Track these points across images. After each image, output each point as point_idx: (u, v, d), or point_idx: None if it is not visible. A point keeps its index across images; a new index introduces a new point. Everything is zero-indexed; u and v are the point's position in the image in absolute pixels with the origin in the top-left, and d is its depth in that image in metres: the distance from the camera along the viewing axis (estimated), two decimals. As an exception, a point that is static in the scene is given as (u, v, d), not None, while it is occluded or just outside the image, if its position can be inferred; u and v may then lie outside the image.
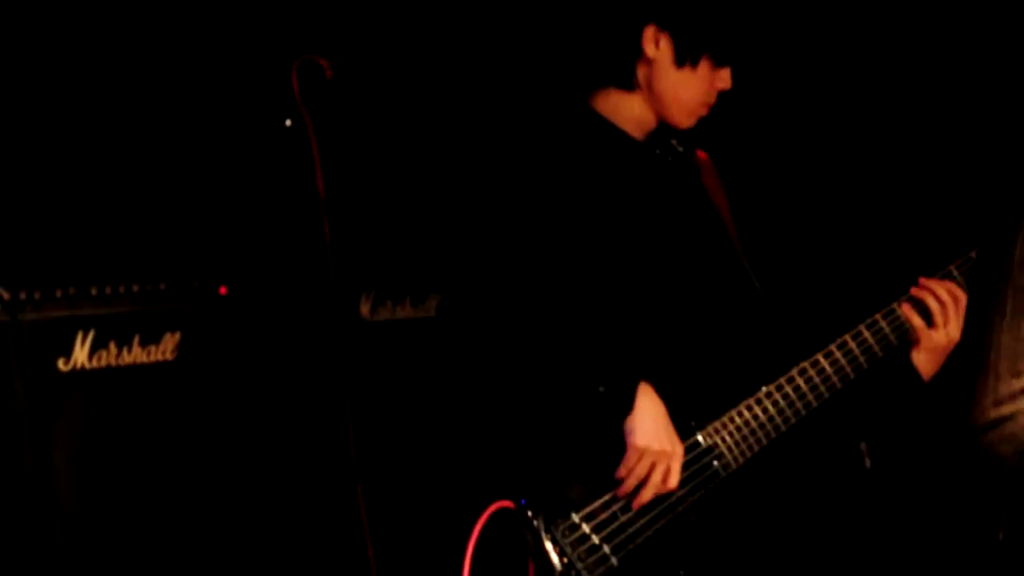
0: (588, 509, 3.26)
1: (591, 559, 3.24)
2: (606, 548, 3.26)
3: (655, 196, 3.45)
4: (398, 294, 4.66)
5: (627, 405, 3.26)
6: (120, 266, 4.44)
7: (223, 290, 4.47)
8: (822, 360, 3.47)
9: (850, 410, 3.55)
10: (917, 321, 3.50)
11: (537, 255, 3.33)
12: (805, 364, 3.46)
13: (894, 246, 4.82)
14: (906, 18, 4.90)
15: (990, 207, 3.83)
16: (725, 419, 3.40)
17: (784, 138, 5.03)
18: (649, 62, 3.40)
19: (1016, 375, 2.62)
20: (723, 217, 3.55)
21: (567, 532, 3.24)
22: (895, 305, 3.52)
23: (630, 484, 3.27)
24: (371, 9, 4.94)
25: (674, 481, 3.29)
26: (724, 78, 3.40)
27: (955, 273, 3.55)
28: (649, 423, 3.26)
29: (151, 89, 4.82)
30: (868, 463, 4.04)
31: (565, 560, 3.22)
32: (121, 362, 4.31)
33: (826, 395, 3.47)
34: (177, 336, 4.38)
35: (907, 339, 3.52)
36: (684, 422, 3.35)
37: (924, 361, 3.53)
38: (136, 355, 4.33)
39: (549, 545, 3.22)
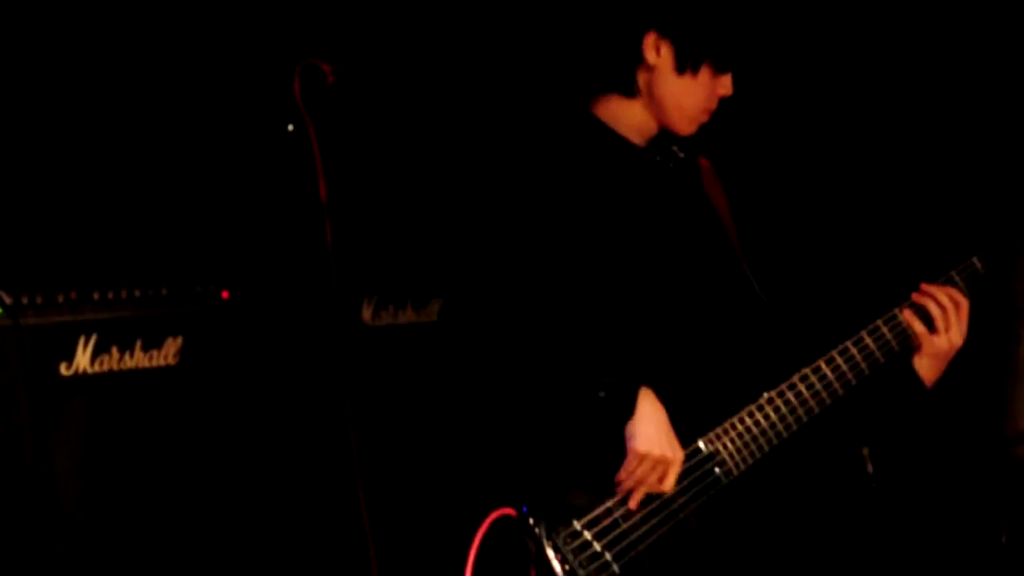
0: (590, 516, 3.26)
1: (593, 566, 3.25)
2: (608, 555, 3.26)
3: (656, 202, 3.45)
4: (400, 299, 4.66)
5: (628, 410, 3.26)
6: (122, 271, 4.45)
7: (225, 295, 4.47)
8: (824, 366, 3.47)
9: (852, 416, 3.55)
10: (919, 327, 3.50)
11: (538, 261, 3.33)
12: (807, 370, 3.46)
13: (895, 252, 4.82)
14: (908, 24, 4.90)
15: (994, 214, 3.83)
16: (727, 425, 3.40)
17: (785, 144, 5.03)
18: (650, 69, 3.40)
19: None
20: (724, 223, 3.54)
21: (569, 539, 3.24)
22: (896, 311, 3.52)
23: (631, 490, 3.27)
24: (374, 14, 4.94)
25: (669, 484, 3.29)
26: (725, 84, 3.40)
27: (957, 279, 3.55)
28: (650, 428, 3.26)
29: (154, 93, 4.82)
30: (870, 468, 4.05)
31: (567, 567, 3.22)
32: (123, 367, 4.31)
33: (828, 401, 3.47)
34: (179, 341, 4.38)
35: (909, 345, 3.52)
36: (685, 428, 3.36)
37: (926, 367, 3.52)
38: (138, 360, 4.33)
39: (551, 552, 3.22)
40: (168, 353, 4.37)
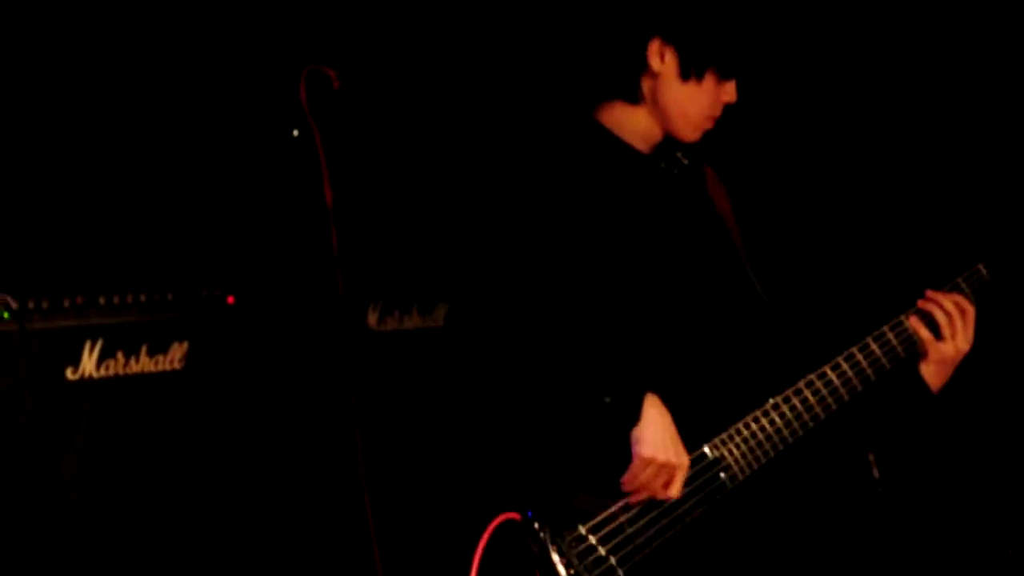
0: (594, 520, 3.26)
1: (597, 571, 3.24)
2: (612, 560, 3.26)
3: (660, 209, 3.45)
4: (405, 304, 4.66)
5: (633, 416, 3.26)
6: (128, 275, 4.45)
7: (231, 300, 4.47)
8: (829, 372, 3.46)
9: (858, 422, 3.55)
10: (925, 333, 3.50)
11: (543, 266, 3.34)
12: (812, 376, 3.46)
13: (900, 259, 4.82)
14: (911, 30, 4.90)
15: (999, 220, 3.83)
16: (732, 431, 3.40)
17: (790, 150, 5.03)
18: (654, 75, 3.40)
19: None
20: (728, 229, 3.54)
21: (573, 544, 3.24)
22: (903, 318, 3.52)
23: (636, 495, 3.27)
24: (379, 20, 4.95)
25: (675, 490, 3.28)
26: (729, 91, 3.40)
27: (963, 286, 3.54)
28: (656, 433, 3.26)
29: (159, 98, 4.83)
30: (876, 474, 4.04)
31: (572, 572, 3.22)
32: (129, 371, 4.31)
33: (833, 407, 3.47)
34: (185, 346, 4.38)
35: (915, 351, 3.52)
36: (691, 433, 3.36)
37: (932, 373, 3.52)
38: (144, 364, 4.34)
39: (556, 557, 3.22)
40: (174, 358, 4.37)
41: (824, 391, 3.45)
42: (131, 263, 4.55)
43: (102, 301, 4.30)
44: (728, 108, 3.43)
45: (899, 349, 3.50)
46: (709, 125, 3.44)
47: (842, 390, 3.46)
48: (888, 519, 5.02)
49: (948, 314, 3.50)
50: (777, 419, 3.42)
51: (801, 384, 3.45)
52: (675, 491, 3.29)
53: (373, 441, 4.28)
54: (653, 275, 3.39)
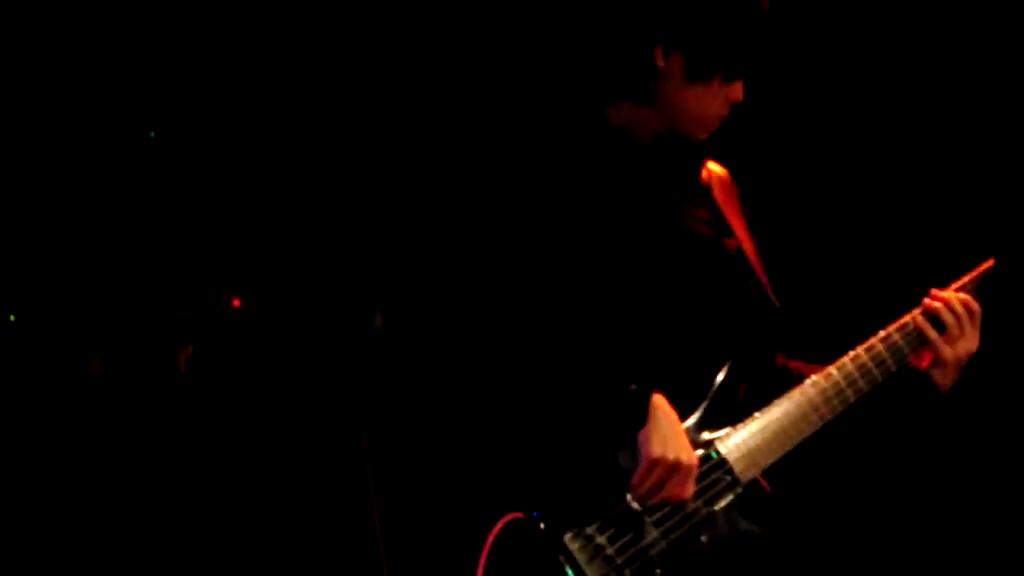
0: (602, 521, 3.26)
1: (605, 571, 3.24)
2: (619, 560, 3.25)
3: (667, 208, 3.45)
4: (412, 306, 4.65)
5: (641, 416, 3.25)
6: (134, 278, 4.45)
7: (237, 303, 4.47)
8: (835, 373, 3.45)
9: (866, 424, 3.54)
10: (932, 333, 3.49)
11: (551, 267, 3.33)
12: (818, 377, 3.45)
13: (905, 257, 4.82)
14: (917, 31, 4.90)
15: (1005, 219, 3.82)
16: (739, 430, 3.39)
17: (796, 149, 5.03)
18: (662, 77, 3.40)
19: None
20: (733, 226, 3.53)
21: (581, 544, 3.23)
22: (909, 318, 3.51)
23: (644, 496, 3.27)
24: (392, 17, 4.95)
25: (687, 493, 3.28)
26: (736, 91, 3.40)
27: (969, 285, 3.53)
28: (663, 434, 3.26)
29: (166, 102, 4.83)
30: (884, 477, 4.03)
31: (579, 572, 3.22)
32: (135, 374, 4.32)
33: (840, 408, 3.45)
34: (190, 349, 4.39)
35: (922, 352, 3.50)
36: (697, 433, 3.35)
37: (941, 374, 3.51)
38: (149, 367, 4.35)
39: (562, 557, 3.21)
40: (180, 361, 4.38)
41: (830, 392, 3.44)
42: (138, 266, 4.56)
43: (109, 304, 4.31)
44: (736, 107, 3.43)
45: (905, 349, 3.49)
46: (717, 124, 3.44)
47: (848, 391, 3.45)
48: (896, 522, 5.01)
49: (957, 314, 3.48)
50: (784, 419, 3.41)
51: (807, 385, 3.44)
52: (687, 493, 3.28)
53: (380, 442, 4.28)
54: (660, 275, 3.38)
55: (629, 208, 3.40)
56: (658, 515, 3.29)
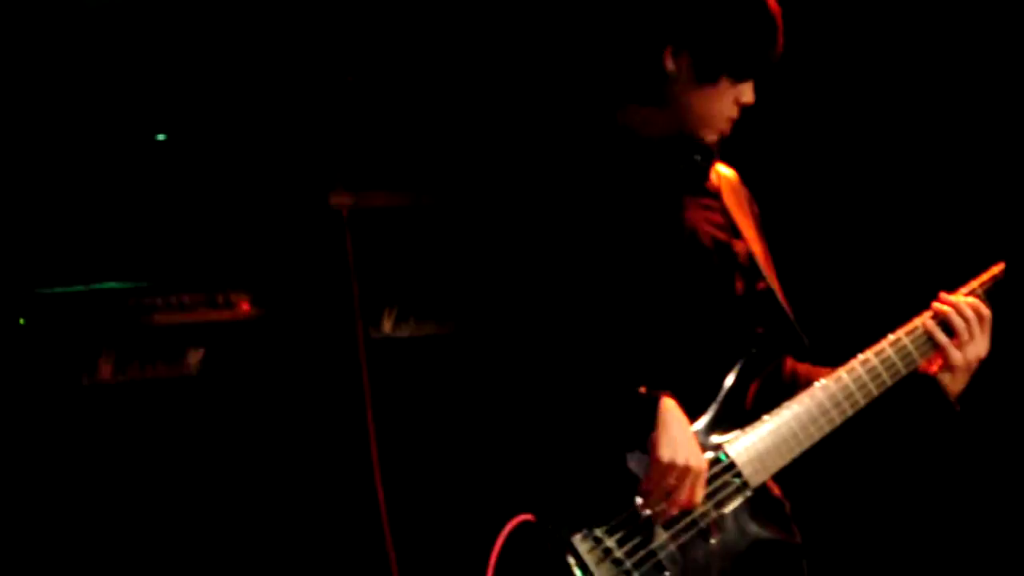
0: (611, 524, 3.26)
1: (613, 574, 3.24)
2: (628, 563, 3.25)
3: (677, 212, 3.45)
4: (422, 309, 4.66)
5: (650, 420, 3.25)
6: (143, 282, 4.45)
7: (246, 306, 4.48)
8: (845, 376, 3.45)
9: (875, 428, 3.53)
10: (941, 338, 3.48)
11: (562, 271, 3.33)
12: (827, 380, 3.45)
13: (913, 261, 4.81)
14: (930, 35, 4.90)
15: (1014, 223, 3.82)
16: (748, 435, 3.38)
17: (804, 151, 5.03)
18: (672, 80, 3.40)
19: None
20: (744, 232, 3.53)
21: (590, 546, 3.23)
22: (918, 322, 3.50)
23: (653, 499, 3.26)
24: (402, 23, 4.96)
25: (698, 497, 3.28)
26: (746, 93, 3.40)
27: (978, 289, 3.53)
28: (673, 438, 3.25)
29: (176, 107, 4.84)
30: (893, 481, 4.03)
31: (588, 575, 3.21)
32: (144, 377, 4.32)
33: (849, 413, 3.45)
34: (200, 351, 4.39)
35: (932, 356, 3.50)
36: (706, 436, 3.35)
37: (950, 379, 3.50)
38: (159, 370, 4.35)
39: (571, 559, 3.21)
40: (189, 364, 4.38)
41: (840, 396, 3.44)
42: (147, 269, 4.56)
43: (118, 308, 4.31)
44: (745, 110, 3.42)
45: (915, 354, 3.48)
46: (727, 127, 3.43)
47: (858, 395, 3.45)
48: (906, 526, 5.01)
49: (966, 319, 3.48)
50: (793, 423, 3.41)
51: (816, 388, 3.44)
52: (697, 497, 3.28)
53: (389, 446, 4.28)
54: (670, 275, 3.38)
55: (639, 211, 3.40)
56: (667, 518, 3.29)
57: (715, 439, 3.37)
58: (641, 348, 3.36)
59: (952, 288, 3.53)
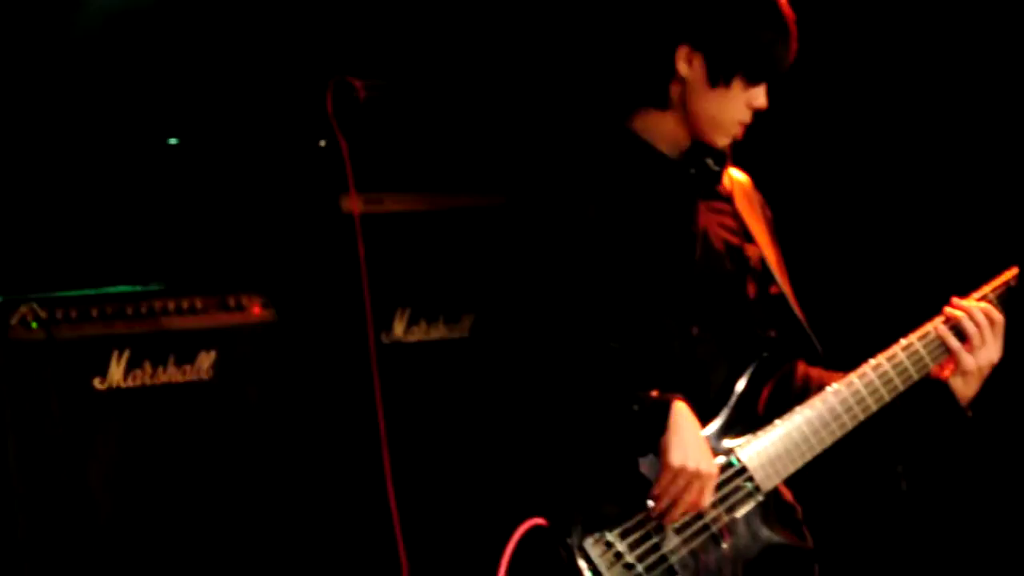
0: (622, 527, 3.25)
1: (625, 578, 3.24)
2: (640, 567, 3.25)
3: (690, 216, 3.45)
4: (432, 313, 4.66)
5: (661, 424, 3.25)
6: (155, 284, 4.46)
7: (257, 310, 4.48)
8: (856, 382, 3.45)
9: (886, 434, 3.53)
10: (953, 343, 3.48)
11: (572, 275, 3.33)
12: (839, 385, 3.44)
13: (926, 266, 4.81)
14: (942, 42, 4.89)
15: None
16: (760, 439, 3.38)
17: (815, 155, 5.03)
18: (683, 82, 3.39)
19: None
20: (756, 237, 3.52)
21: (601, 550, 3.23)
22: (930, 327, 3.50)
23: (665, 503, 3.26)
24: (409, 31, 4.96)
25: (704, 501, 3.27)
26: (759, 97, 3.39)
27: (990, 294, 3.52)
28: (684, 441, 3.25)
29: (188, 111, 4.84)
30: (904, 485, 4.02)
31: (599, 579, 3.22)
32: (156, 381, 4.32)
33: (861, 417, 3.44)
34: (212, 355, 4.39)
35: (943, 361, 3.49)
36: (718, 441, 3.35)
37: (962, 384, 3.49)
38: (171, 374, 4.34)
39: (583, 563, 3.21)
40: (201, 368, 4.38)
41: (851, 400, 3.44)
42: (158, 273, 4.56)
43: (129, 311, 4.31)
44: (758, 115, 3.41)
45: (927, 359, 3.48)
46: (739, 131, 3.43)
47: (869, 400, 3.45)
48: (916, 530, 5.00)
49: (978, 324, 3.47)
50: (805, 427, 3.40)
51: (828, 393, 3.43)
52: (704, 501, 3.28)
53: (400, 450, 4.28)
54: (681, 282, 3.38)
55: (652, 216, 3.40)
56: (679, 522, 3.29)
57: (727, 443, 3.37)
58: (653, 351, 3.36)
59: (964, 293, 3.52)
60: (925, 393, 3.50)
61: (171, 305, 4.35)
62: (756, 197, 3.60)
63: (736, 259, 3.47)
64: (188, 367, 4.35)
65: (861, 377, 3.45)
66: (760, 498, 3.37)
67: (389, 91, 4.44)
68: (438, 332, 4.66)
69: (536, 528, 3.20)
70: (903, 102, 4.95)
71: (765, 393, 3.44)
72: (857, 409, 3.44)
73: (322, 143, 4.35)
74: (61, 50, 4.79)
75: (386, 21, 4.96)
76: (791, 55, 3.38)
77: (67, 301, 4.24)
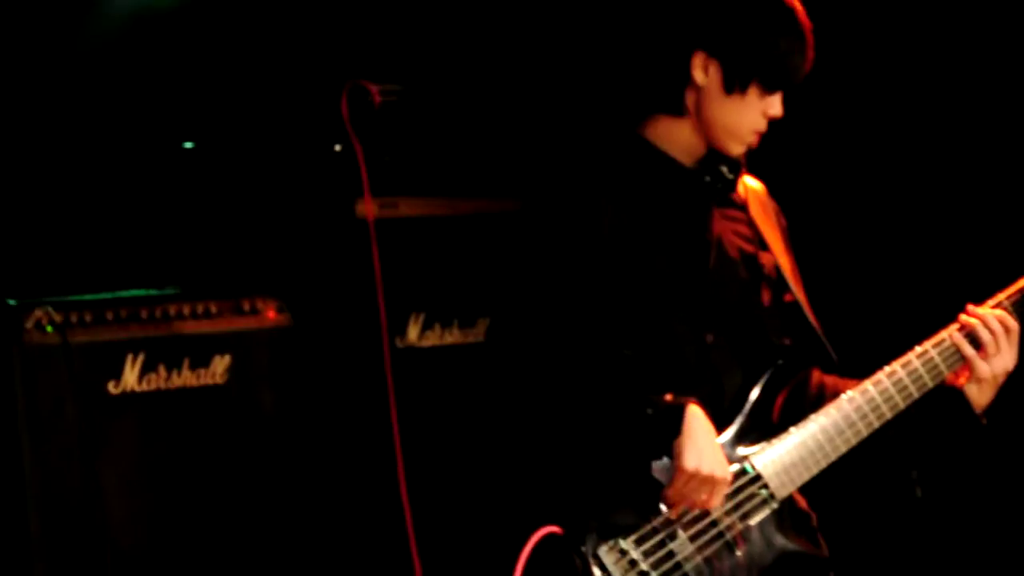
0: (637, 534, 3.25)
1: (639, 585, 3.24)
2: (654, 574, 3.25)
3: (703, 222, 3.44)
4: (447, 318, 4.66)
5: (676, 428, 3.24)
6: (170, 288, 4.47)
7: (272, 314, 4.48)
8: (871, 389, 3.44)
9: (901, 441, 3.52)
10: (968, 350, 3.47)
11: (586, 282, 3.33)
12: (854, 392, 3.44)
13: (939, 273, 4.80)
14: (957, 50, 4.89)
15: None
16: (774, 446, 3.38)
17: (829, 161, 5.02)
18: (698, 89, 3.39)
19: None
20: (771, 244, 3.52)
21: (616, 557, 3.23)
22: (945, 334, 3.49)
23: (679, 508, 3.26)
24: (424, 35, 4.97)
25: (714, 502, 3.27)
26: (774, 105, 3.38)
27: (1006, 302, 3.52)
28: (698, 446, 3.25)
29: (203, 116, 4.85)
30: (919, 492, 4.02)
31: (614, 586, 3.22)
32: (171, 385, 4.33)
33: (876, 424, 3.44)
34: (227, 359, 4.40)
35: (958, 369, 3.49)
36: (732, 448, 3.35)
37: (977, 392, 3.49)
38: (186, 378, 4.35)
39: (597, 571, 3.21)
40: (216, 372, 4.38)
41: (866, 408, 3.43)
42: (172, 277, 4.57)
43: (144, 315, 4.31)
44: (773, 123, 3.41)
45: (942, 366, 3.47)
46: (754, 139, 3.42)
47: (884, 408, 3.44)
48: (931, 537, 4.99)
49: (993, 332, 3.47)
50: (820, 435, 3.40)
51: (843, 400, 3.43)
52: (715, 503, 3.27)
53: (414, 455, 4.28)
54: (695, 289, 3.38)
55: (666, 223, 3.40)
56: (693, 530, 3.29)
57: (741, 451, 3.37)
58: (667, 358, 3.36)
59: (980, 300, 3.52)
60: (940, 401, 3.50)
61: (186, 309, 4.35)
62: (771, 205, 3.60)
63: (750, 267, 3.46)
64: (203, 371, 4.36)
65: (876, 385, 3.44)
66: (775, 505, 3.37)
67: (404, 96, 4.44)
68: (452, 337, 4.67)
69: (550, 536, 3.20)
70: (917, 110, 4.94)
71: (780, 401, 3.44)
72: (872, 417, 3.43)
73: (337, 147, 4.35)
74: (75, 54, 4.80)
75: (401, 26, 4.97)
76: (808, 64, 3.37)
77: (82, 305, 4.25)
